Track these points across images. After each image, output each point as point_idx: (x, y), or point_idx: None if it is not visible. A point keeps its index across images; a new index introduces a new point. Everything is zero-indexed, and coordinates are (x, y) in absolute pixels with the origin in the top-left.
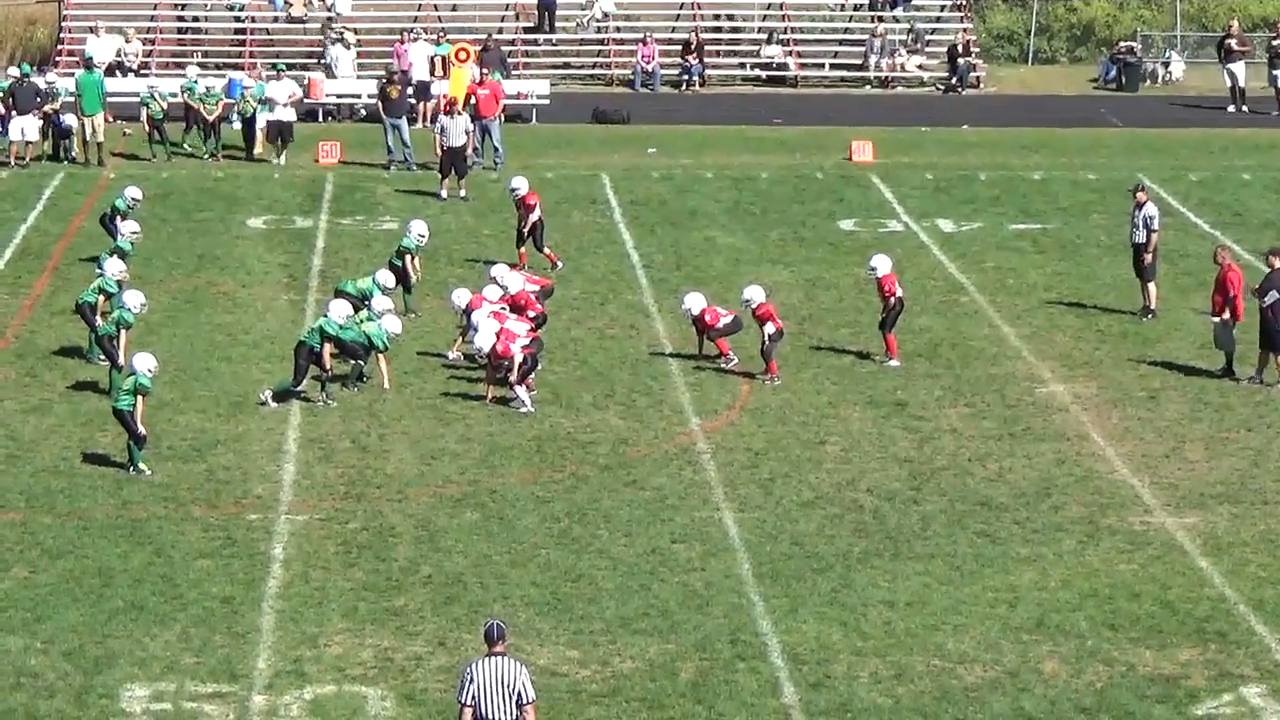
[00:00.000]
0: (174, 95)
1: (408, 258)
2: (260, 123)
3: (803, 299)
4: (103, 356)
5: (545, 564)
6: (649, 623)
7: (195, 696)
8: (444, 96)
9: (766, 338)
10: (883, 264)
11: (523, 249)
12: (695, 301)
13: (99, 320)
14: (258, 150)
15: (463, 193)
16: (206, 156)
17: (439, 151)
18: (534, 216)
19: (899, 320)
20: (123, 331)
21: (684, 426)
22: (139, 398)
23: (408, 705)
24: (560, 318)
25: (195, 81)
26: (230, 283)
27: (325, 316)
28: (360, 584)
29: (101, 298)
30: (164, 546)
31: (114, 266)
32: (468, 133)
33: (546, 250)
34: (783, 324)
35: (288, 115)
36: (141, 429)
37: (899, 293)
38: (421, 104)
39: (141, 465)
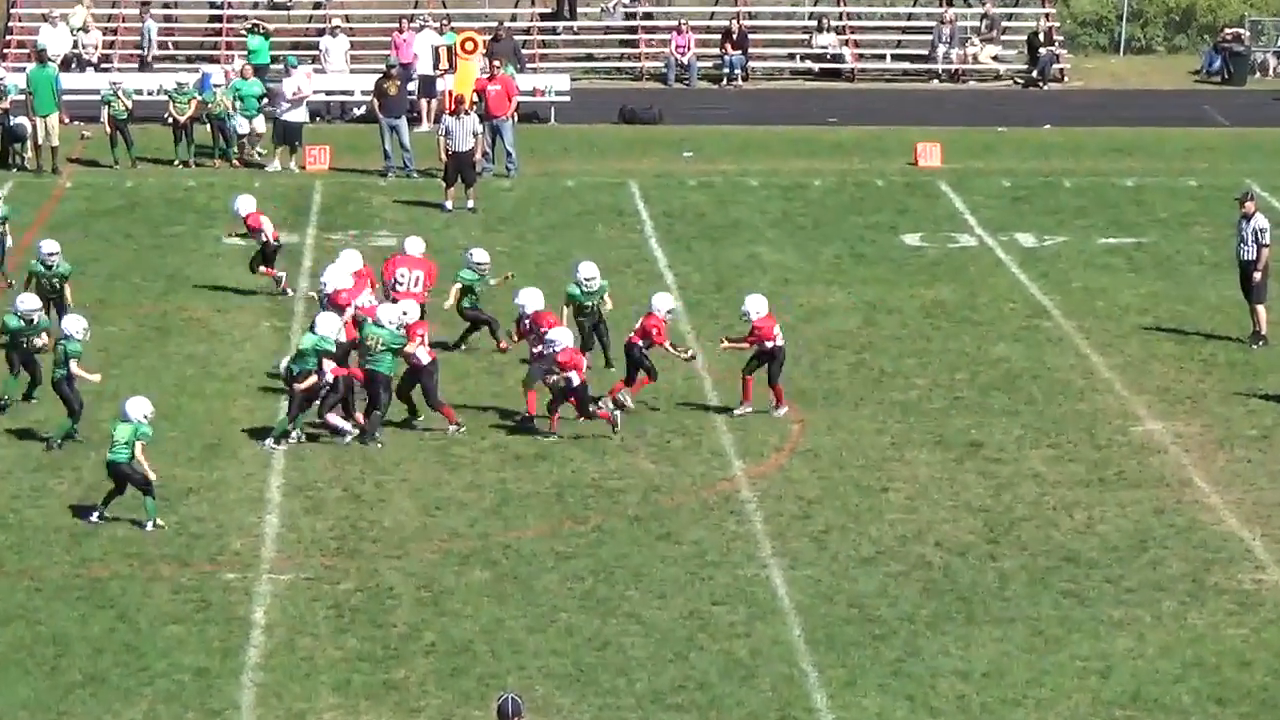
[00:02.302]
0: (141, 94)
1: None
2: (243, 127)
3: (861, 324)
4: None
5: (567, 629)
6: (686, 697)
7: None
8: (450, 94)
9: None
10: (758, 306)
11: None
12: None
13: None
14: (255, 156)
15: (470, 203)
16: (178, 163)
17: (444, 157)
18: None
19: (783, 370)
20: (73, 363)
21: (726, 472)
22: (139, 446)
23: None
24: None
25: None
26: (204, 308)
27: (313, 333)
28: (354, 653)
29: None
30: (128, 610)
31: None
32: (476, 135)
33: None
34: (783, 343)
35: (297, 115)
36: (151, 475)
37: (779, 340)
38: (424, 102)
39: (160, 521)
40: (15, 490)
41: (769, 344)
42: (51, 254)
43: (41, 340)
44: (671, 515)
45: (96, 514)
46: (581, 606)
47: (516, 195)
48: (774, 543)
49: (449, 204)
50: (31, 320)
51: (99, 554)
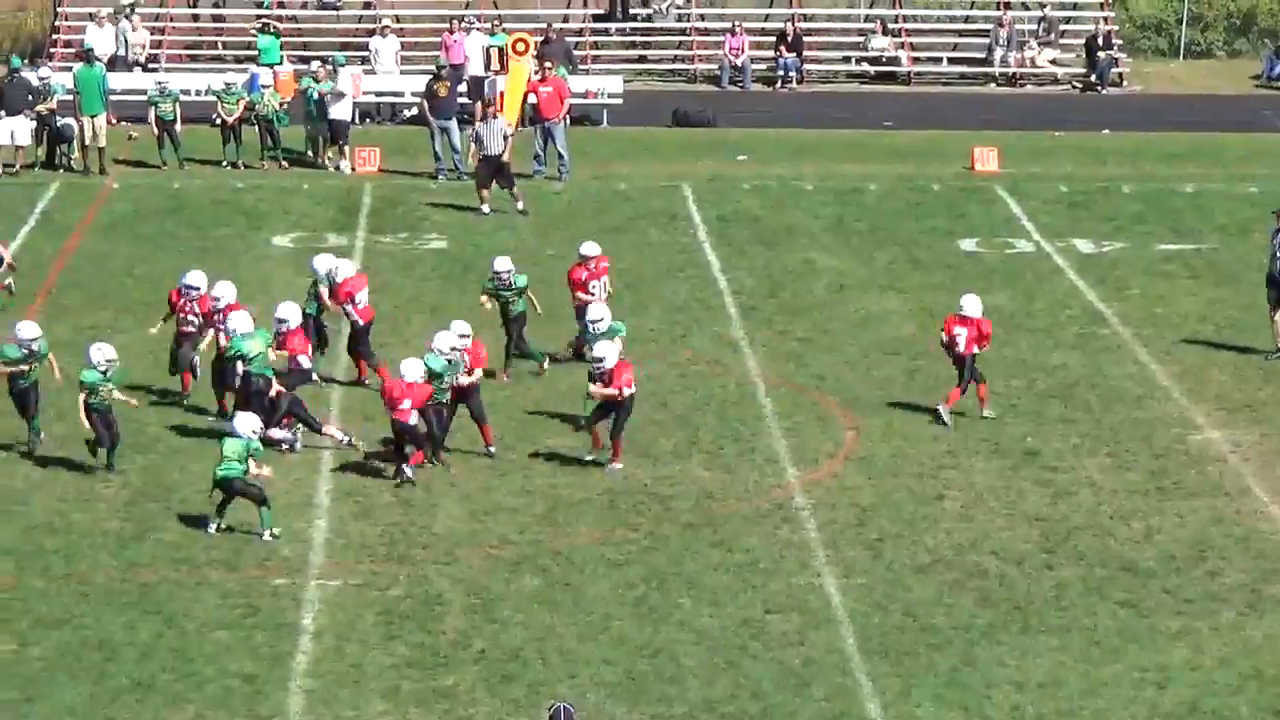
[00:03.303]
0: (188, 94)
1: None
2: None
3: (917, 331)
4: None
5: (618, 637)
6: (738, 706)
7: None
8: (499, 95)
9: None
10: (609, 353)
11: None
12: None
13: None
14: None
15: (519, 204)
16: (225, 164)
17: (474, 161)
18: None
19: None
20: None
21: (779, 478)
22: (253, 461)
23: None
24: (635, 352)
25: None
26: (252, 310)
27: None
28: (403, 660)
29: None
30: (176, 616)
31: None
32: (506, 137)
33: None
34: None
35: (341, 113)
36: (267, 475)
37: (631, 389)
38: (475, 104)
39: (276, 530)
40: (62, 494)
41: (623, 392)
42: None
43: (56, 374)
44: (724, 522)
45: (213, 525)
46: (633, 614)
47: (568, 198)
48: (828, 551)
49: (485, 208)
50: (32, 349)
51: (147, 559)
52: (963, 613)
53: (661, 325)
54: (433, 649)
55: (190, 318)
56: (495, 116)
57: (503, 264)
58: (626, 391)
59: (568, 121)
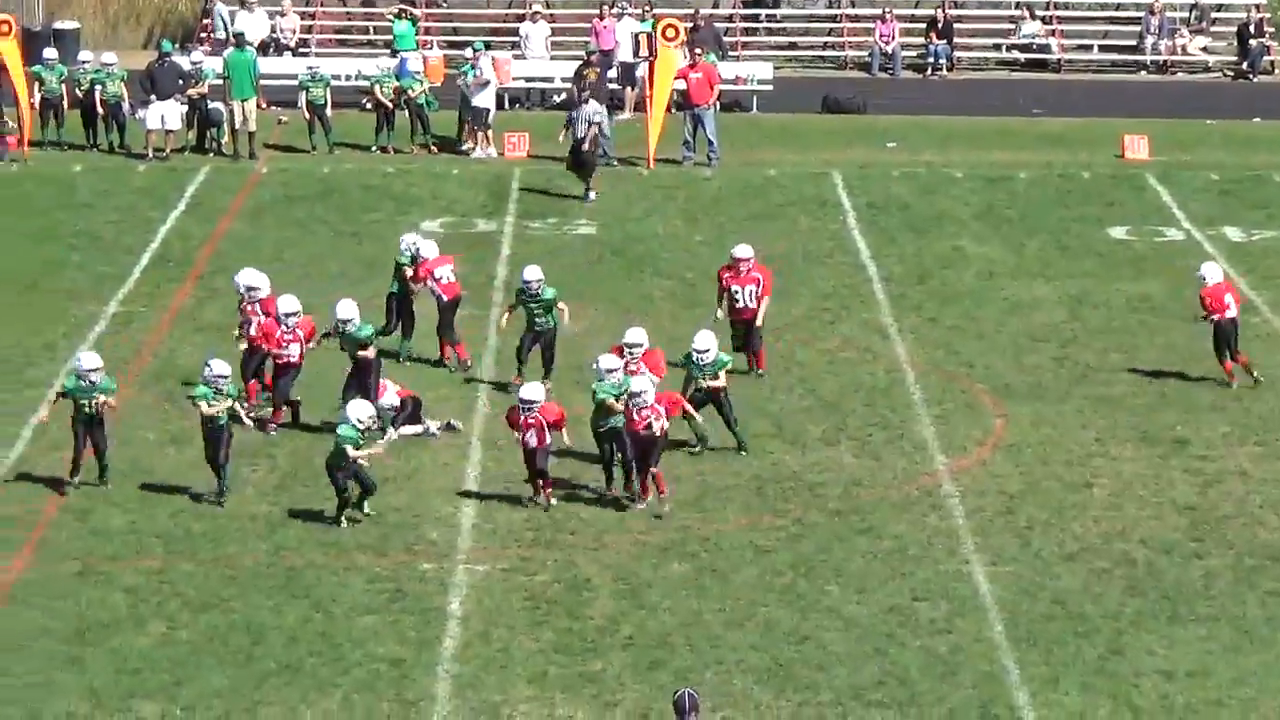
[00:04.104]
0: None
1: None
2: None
3: (1066, 318)
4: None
5: (765, 624)
6: (886, 693)
7: None
8: (647, 80)
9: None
10: (648, 387)
11: None
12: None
13: None
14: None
15: (591, 194)
16: (375, 149)
17: (564, 142)
18: None
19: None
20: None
21: (927, 466)
22: (350, 449)
23: None
24: (784, 338)
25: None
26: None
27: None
28: (550, 645)
29: None
30: (323, 600)
31: None
32: (589, 123)
33: None
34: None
35: (484, 100)
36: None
37: (665, 427)
38: (626, 90)
39: (368, 510)
40: (210, 479)
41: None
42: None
43: (106, 400)
44: (872, 509)
45: (345, 522)
46: (781, 601)
47: (717, 185)
48: (976, 538)
49: (592, 195)
50: (91, 380)
51: (294, 543)
52: (1111, 601)
53: (811, 312)
54: (580, 634)
55: (254, 319)
56: (587, 102)
57: (533, 273)
58: (660, 425)
59: (717, 108)
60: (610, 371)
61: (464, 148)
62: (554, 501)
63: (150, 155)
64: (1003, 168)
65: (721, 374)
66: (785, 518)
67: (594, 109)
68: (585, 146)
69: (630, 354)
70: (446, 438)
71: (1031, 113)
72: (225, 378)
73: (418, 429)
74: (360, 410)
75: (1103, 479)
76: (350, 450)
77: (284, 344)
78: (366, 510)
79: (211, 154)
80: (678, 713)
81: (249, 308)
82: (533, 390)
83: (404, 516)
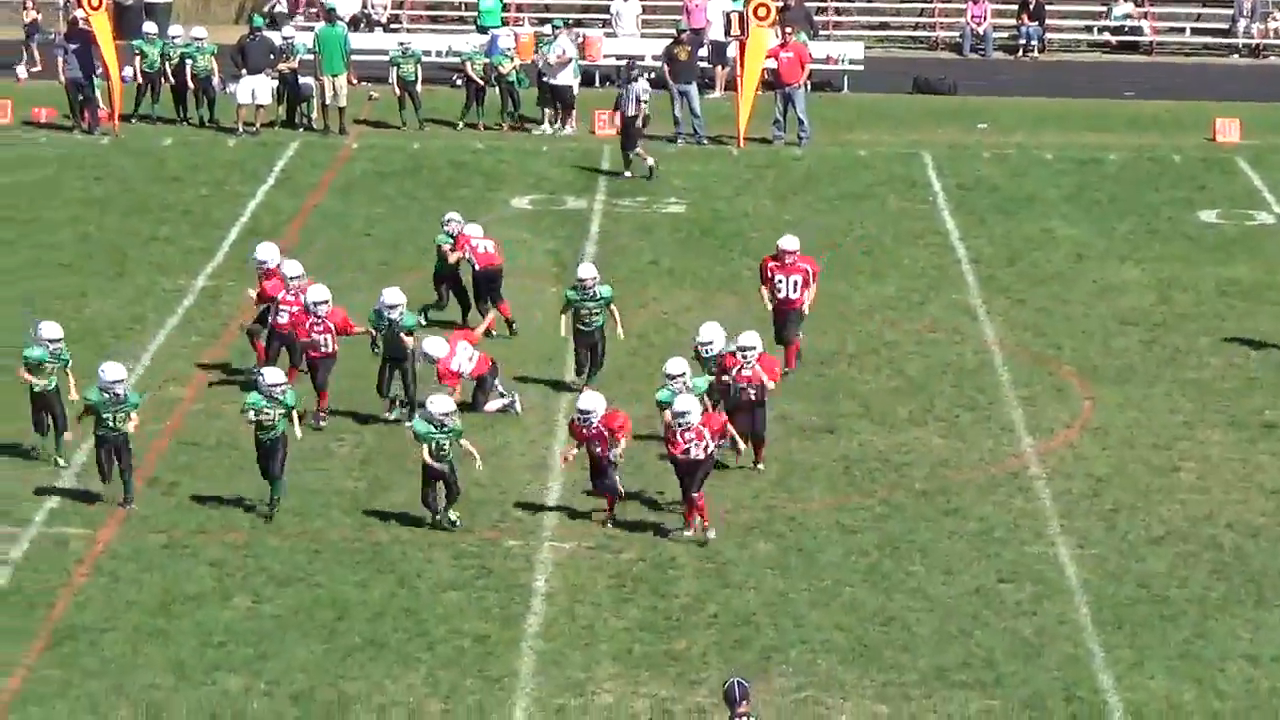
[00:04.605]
0: (429, 55)
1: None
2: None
3: (1155, 301)
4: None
5: (850, 604)
6: (970, 674)
7: None
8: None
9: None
10: (693, 407)
11: None
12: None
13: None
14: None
15: (627, 172)
16: (462, 125)
17: (616, 121)
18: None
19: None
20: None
21: (1014, 447)
22: (425, 448)
23: None
24: (873, 319)
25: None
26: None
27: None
28: (635, 623)
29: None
30: (408, 576)
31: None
32: (640, 100)
33: None
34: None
35: (563, 79)
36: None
37: (715, 445)
38: (717, 69)
39: (454, 516)
40: (296, 453)
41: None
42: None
43: (132, 423)
44: (959, 490)
45: (439, 516)
46: (866, 581)
47: (807, 164)
48: (1062, 520)
49: (649, 161)
50: (117, 394)
51: (379, 519)
52: (1196, 585)
53: (899, 292)
54: (665, 613)
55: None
56: (634, 80)
57: (587, 271)
58: (710, 446)
59: (808, 87)
60: (674, 378)
61: (541, 128)
62: (615, 519)
63: (240, 130)
64: (1093, 150)
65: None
66: (872, 498)
67: (642, 87)
68: (638, 125)
69: (744, 355)
70: (532, 414)
71: (1123, 95)
72: (280, 385)
73: (503, 402)
74: (441, 405)
75: (1190, 463)
76: (465, 444)
77: (313, 334)
78: (453, 517)
79: (301, 129)
80: (728, 703)
81: (265, 283)
82: (590, 400)
83: (489, 493)
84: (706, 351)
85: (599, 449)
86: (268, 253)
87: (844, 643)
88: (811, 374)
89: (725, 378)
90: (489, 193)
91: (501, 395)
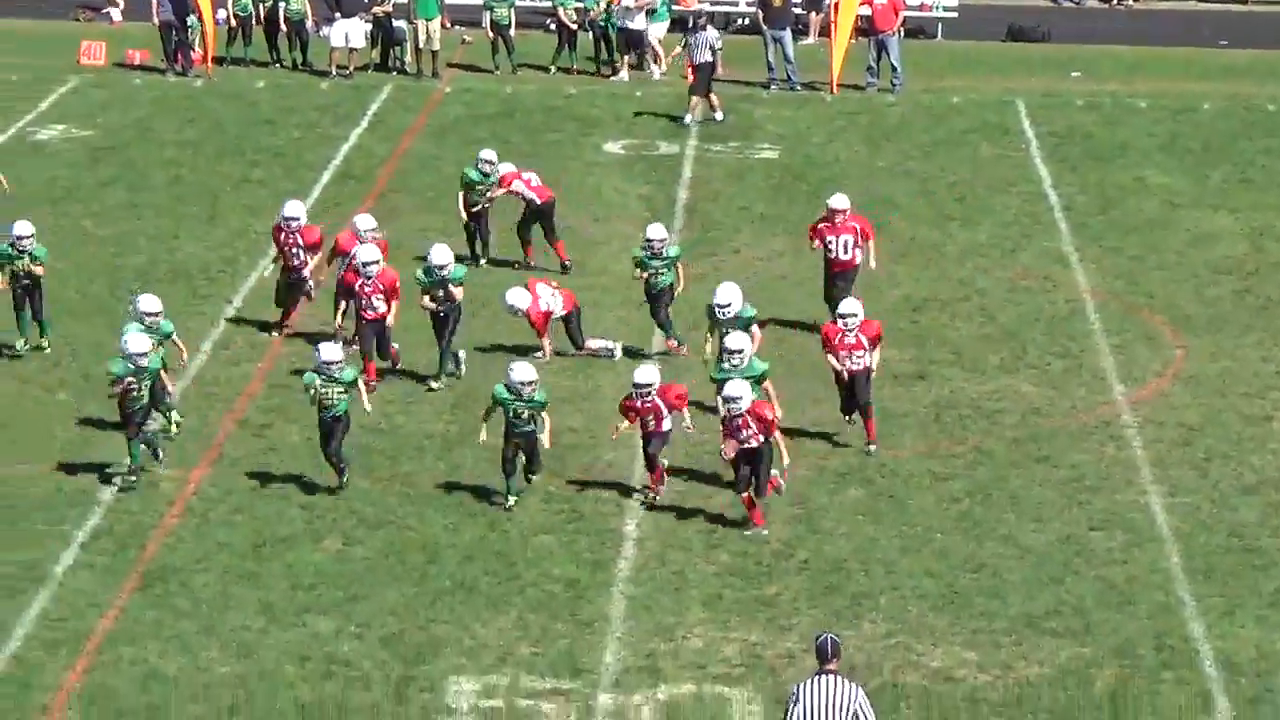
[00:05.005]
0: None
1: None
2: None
3: (1248, 250)
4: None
5: (941, 551)
6: (1061, 622)
7: (531, 693)
8: (834, 6)
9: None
10: (744, 392)
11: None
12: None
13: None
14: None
15: (718, 115)
16: (554, 70)
17: (688, 69)
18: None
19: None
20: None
21: (1106, 396)
22: (527, 413)
23: (778, 710)
24: (965, 266)
25: None
26: (582, 216)
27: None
28: (725, 568)
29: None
30: (499, 519)
31: None
32: (714, 49)
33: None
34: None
35: (638, 23)
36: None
37: (775, 434)
38: (811, 15)
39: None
40: (389, 395)
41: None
42: (22, 237)
43: (170, 392)
44: (1050, 438)
45: (512, 501)
46: (956, 528)
47: (901, 111)
48: (1154, 469)
49: (688, 117)
50: (141, 365)
51: (470, 462)
52: None
53: (991, 239)
54: (755, 558)
55: (295, 250)
56: (703, 29)
57: (656, 231)
58: (749, 437)
59: (901, 34)
60: (732, 353)
61: (619, 75)
62: (662, 493)
63: (334, 73)
64: (1187, 99)
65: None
66: (963, 445)
67: (713, 34)
68: (719, 72)
69: (844, 323)
70: (625, 362)
71: (1217, 44)
72: (337, 363)
73: (605, 344)
74: (523, 373)
75: None
76: (546, 440)
77: (366, 295)
78: (532, 479)
79: (394, 72)
80: (820, 658)
81: (289, 238)
82: (646, 373)
83: (581, 438)
84: (723, 314)
85: (653, 424)
86: (295, 209)
87: (934, 589)
88: (905, 320)
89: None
90: (581, 137)
91: (603, 338)
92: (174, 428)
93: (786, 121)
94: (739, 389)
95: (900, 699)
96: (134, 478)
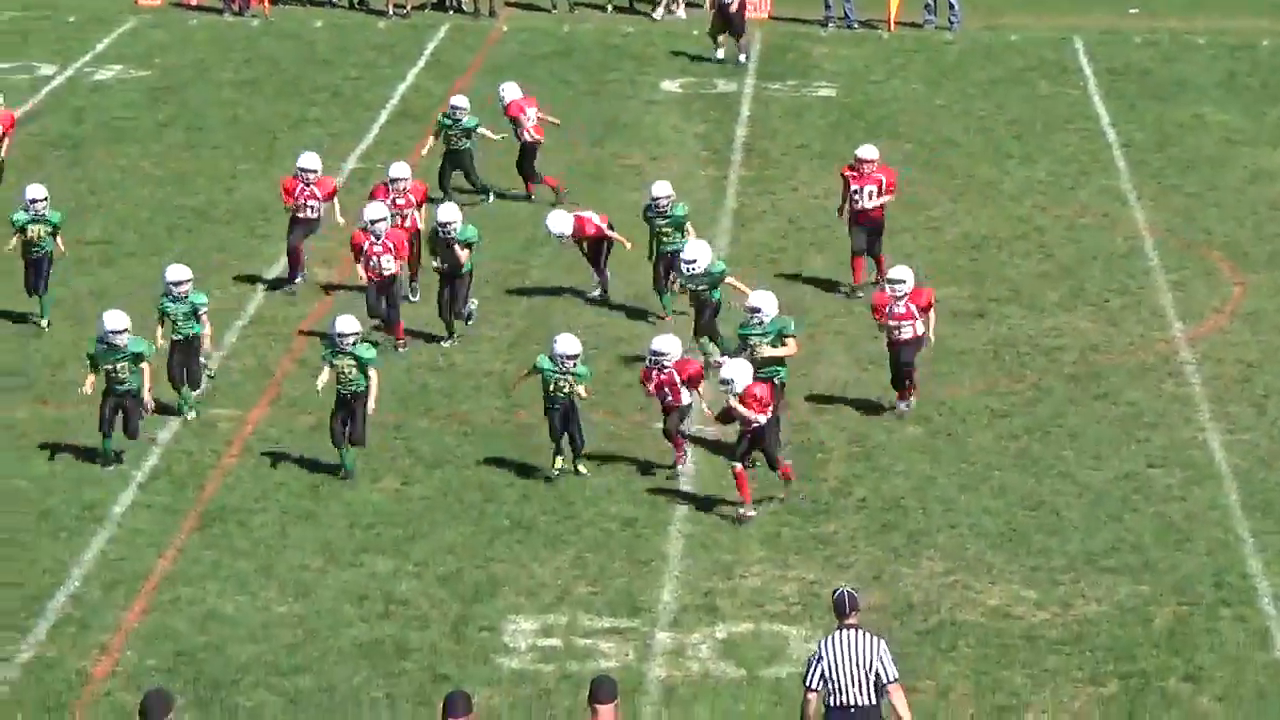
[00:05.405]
0: None
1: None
2: None
3: None
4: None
5: (999, 488)
6: (1119, 560)
7: (590, 632)
8: None
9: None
10: (740, 374)
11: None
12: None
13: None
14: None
15: (741, 57)
16: (611, 9)
17: (710, 8)
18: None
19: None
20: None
21: (1164, 332)
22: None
23: None
24: (1023, 203)
25: None
26: (639, 155)
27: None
28: (784, 507)
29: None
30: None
31: None
32: None
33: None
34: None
35: None
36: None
37: (767, 415)
38: None
39: (556, 469)
40: (446, 335)
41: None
42: (36, 200)
43: (144, 380)
44: (1109, 375)
45: (556, 471)
46: (1015, 465)
47: (959, 49)
48: (1212, 406)
49: (719, 53)
50: (116, 344)
51: (528, 401)
52: None
53: (1050, 177)
54: (813, 496)
55: (310, 203)
56: None
57: (661, 189)
58: (761, 418)
59: None
60: (755, 311)
61: (657, 12)
62: (685, 464)
63: (390, 12)
64: (1245, 35)
65: (790, 341)
66: (1021, 382)
67: None
68: (734, 9)
69: (893, 290)
70: (680, 301)
71: None
72: (350, 335)
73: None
74: (566, 345)
75: None
76: (582, 390)
77: (374, 255)
78: (581, 469)
79: (452, 11)
80: (838, 613)
81: (304, 191)
82: (665, 342)
83: (636, 376)
84: (690, 269)
85: (669, 397)
86: (312, 161)
87: (992, 527)
88: (964, 258)
89: (882, 323)
90: (639, 76)
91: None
92: (188, 409)
93: (844, 60)
94: (734, 370)
95: (959, 636)
96: (111, 467)
